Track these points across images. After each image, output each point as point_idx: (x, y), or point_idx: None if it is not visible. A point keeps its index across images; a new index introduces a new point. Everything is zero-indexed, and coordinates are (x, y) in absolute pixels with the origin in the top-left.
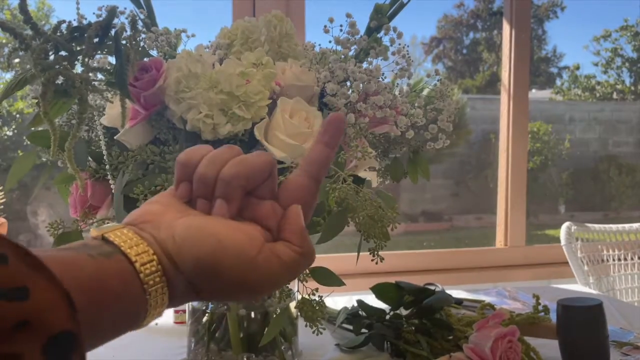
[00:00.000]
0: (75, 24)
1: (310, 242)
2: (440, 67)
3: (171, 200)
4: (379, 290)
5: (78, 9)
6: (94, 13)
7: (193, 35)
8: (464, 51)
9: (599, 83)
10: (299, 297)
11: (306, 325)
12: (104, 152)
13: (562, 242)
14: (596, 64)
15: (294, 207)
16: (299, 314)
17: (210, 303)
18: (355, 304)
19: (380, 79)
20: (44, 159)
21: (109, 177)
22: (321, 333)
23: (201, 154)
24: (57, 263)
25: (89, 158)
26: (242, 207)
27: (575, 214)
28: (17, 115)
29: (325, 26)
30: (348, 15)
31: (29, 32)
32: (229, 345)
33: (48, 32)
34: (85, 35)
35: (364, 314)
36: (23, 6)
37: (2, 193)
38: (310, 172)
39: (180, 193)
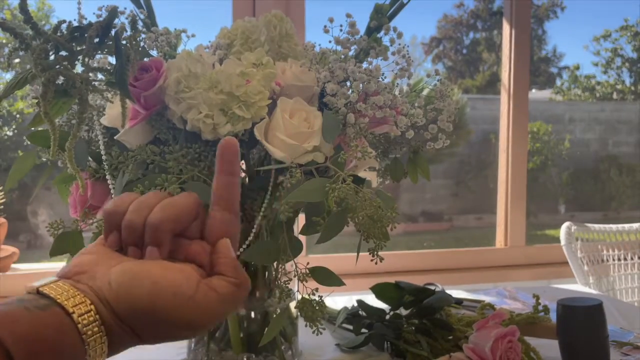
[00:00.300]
0: (75, 24)
1: (243, 272)
2: (440, 67)
3: (102, 249)
4: (379, 290)
5: (79, 9)
6: (94, 13)
7: (193, 36)
8: (464, 51)
9: (599, 83)
10: (299, 297)
11: (306, 325)
12: (103, 153)
13: (562, 242)
14: (596, 64)
15: (222, 240)
16: (299, 314)
17: None
18: (355, 304)
19: (380, 79)
20: (44, 159)
21: (108, 177)
22: (321, 333)
23: (128, 202)
24: None
25: (89, 158)
26: (173, 249)
27: (575, 214)
28: (17, 115)
29: (325, 26)
30: (348, 15)
31: (29, 32)
32: (229, 345)
33: (48, 32)
34: (86, 35)
35: (364, 314)
36: (23, 6)
37: (2, 193)
38: (221, 205)
39: (110, 243)
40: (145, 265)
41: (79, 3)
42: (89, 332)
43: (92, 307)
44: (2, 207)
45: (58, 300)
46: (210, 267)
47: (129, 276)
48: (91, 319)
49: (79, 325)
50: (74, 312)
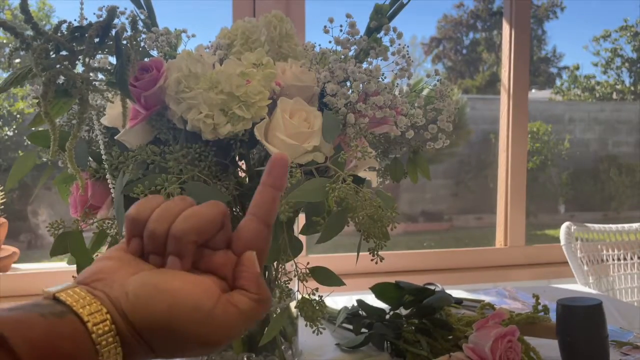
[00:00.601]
0: (76, 24)
1: (266, 287)
2: (440, 67)
3: (123, 255)
4: (379, 290)
5: (82, 9)
6: (94, 13)
7: (193, 36)
8: (464, 51)
9: (598, 83)
10: (299, 296)
11: (306, 325)
12: (103, 153)
13: (562, 242)
14: (596, 64)
15: (248, 253)
16: (299, 313)
17: None
18: (355, 304)
19: (380, 79)
20: (44, 159)
21: (109, 177)
22: (321, 333)
23: (151, 208)
24: (8, 324)
25: (90, 158)
26: (195, 259)
27: (575, 214)
28: (18, 116)
29: (325, 26)
30: (348, 16)
31: (30, 32)
32: (229, 345)
33: (49, 32)
34: (86, 35)
35: (364, 313)
36: (24, 6)
37: (3, 193)
38: (259, 215)
39: (132, 249)
40: (164, 277)
41: (82, 3)
42: (104, 343)
43: (108, 316)
44: (2, 207)
45: (74, 308)
46: (233, 279)
47: (149, 290)
48: (106, 328)
49: (94, 335)
50: (89, 321)
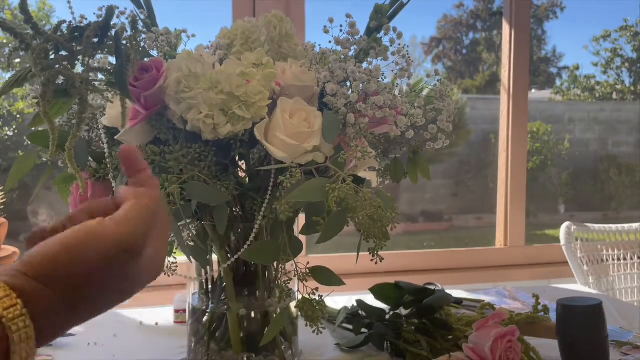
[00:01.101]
0: (75, 24)
1: (147, 181)
2: (440, 68)
3: None
4: (378, 291)
5: (71, 8)
6: (94, 13)
7: (193, 36)
8: (464, 51)
9: (598, 83)
10: (299, 296)
11: (306, 325)
12: (106, 152)
13: (562, 242)
14: (596, 64)
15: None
16: (299, 313)
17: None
18: (355, 304)
19: (380, 79)
20: (44, 159)
21: (111, 177)
22: (321, 333)
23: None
24: None
25: (90, 158)
26: None
27: (575, 214)
28: (18, 116)
29: (325, 26)
30: (348, 16)
31: (30, 32)
32: (229, 345)
33: (48, 32)
34: (84, 35)
35: (363, 313)
36: (23, 6)
37: (3, 193)
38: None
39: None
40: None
41: (70, 3)
42: (6, 313)
43: (2, 284)
44: (2, 207)
45: None
46: None
47: (39, 245)
48: (3, 293)
49: None
50: None
